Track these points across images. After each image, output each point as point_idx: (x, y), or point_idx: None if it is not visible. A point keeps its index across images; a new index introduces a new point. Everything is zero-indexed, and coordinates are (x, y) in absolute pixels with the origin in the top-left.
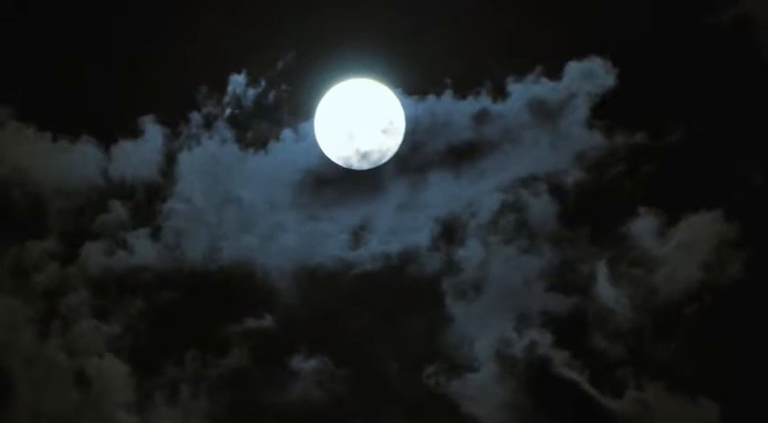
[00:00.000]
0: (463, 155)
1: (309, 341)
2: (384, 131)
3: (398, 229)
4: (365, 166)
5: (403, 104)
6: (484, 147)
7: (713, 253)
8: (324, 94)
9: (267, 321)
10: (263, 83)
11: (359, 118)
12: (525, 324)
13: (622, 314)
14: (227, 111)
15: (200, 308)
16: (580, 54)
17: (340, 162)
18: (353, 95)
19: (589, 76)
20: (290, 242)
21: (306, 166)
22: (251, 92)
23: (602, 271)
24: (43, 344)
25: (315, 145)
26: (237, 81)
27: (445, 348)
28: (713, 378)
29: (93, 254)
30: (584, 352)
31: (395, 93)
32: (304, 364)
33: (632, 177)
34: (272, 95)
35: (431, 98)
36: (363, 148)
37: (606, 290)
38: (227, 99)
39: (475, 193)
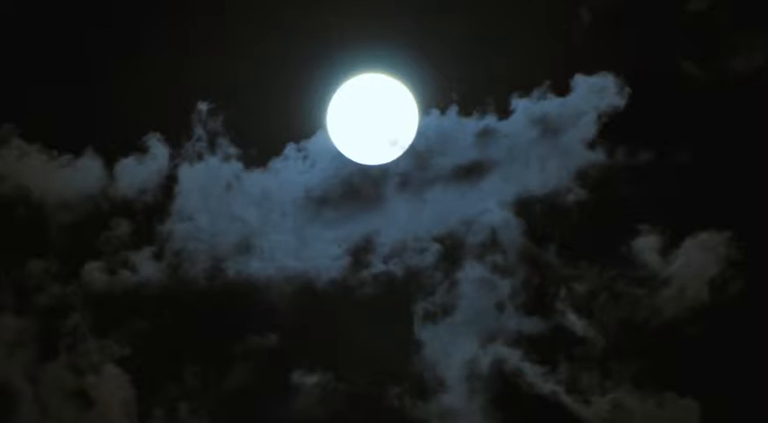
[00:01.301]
0: (465, 172)
1: (310, 357)
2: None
3: (400, 249)
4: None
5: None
6: (486, 164)
7: (717, 273)
8: (329, 100)
9: (268, 339)
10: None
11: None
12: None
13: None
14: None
15: (202, 326)
16: (591, 70)
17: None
18: (361, 101)
19: (599, 92)
20: (290, 261)
21: (307, 184)
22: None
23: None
24: (46, 363)
25: (319, 160)
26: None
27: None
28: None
29: (96, 272)
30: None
31: (407, 88)
32: (306, 378)
33: (635, 197)
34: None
35: (435, 113)
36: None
37: (573, 315)
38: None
39: (474, 211)
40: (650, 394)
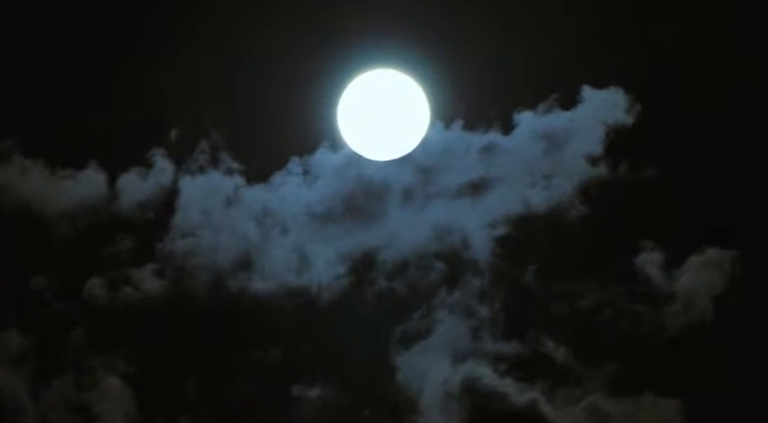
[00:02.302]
0: (468, 188)
1: (311, 372)
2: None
3: (401, 266)
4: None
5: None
6: (489, 179)
7: (720, 291)
8: (337, 100)
9: (269, 353)
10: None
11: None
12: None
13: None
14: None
15: (204, 341)
16: (600, 84)
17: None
18: (371, 98)
19: (607, 107)
20: (291, 277)
21: (311, 200)
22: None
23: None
24: (48, 378)
25: (322, 175)
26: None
27: None
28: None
29: (98, 288)
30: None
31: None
32: (306, 392)
33: (639, 213)
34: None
35: (439, 125)
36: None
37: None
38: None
39: (474, 227)
40: (627, 396)
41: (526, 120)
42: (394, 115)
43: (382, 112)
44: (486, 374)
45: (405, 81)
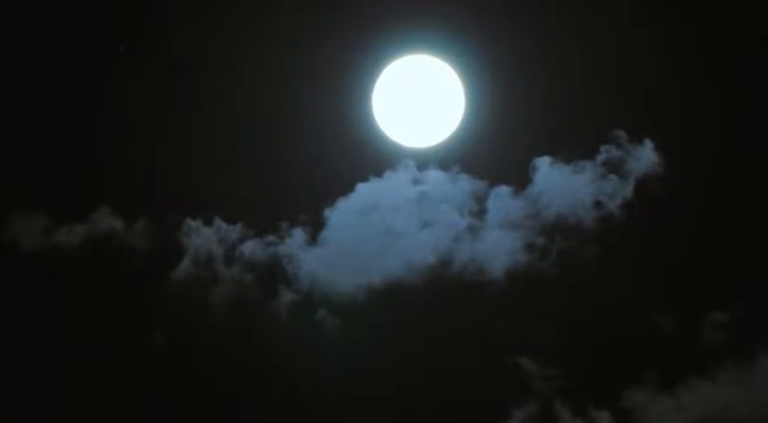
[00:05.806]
0: (479, 242)
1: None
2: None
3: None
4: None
5: None
6: (500, 232)
7: None
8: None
9: (269, 399)
10: None
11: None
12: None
13: None
14: None
15: (204, 395)
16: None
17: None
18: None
19: (630, 159)
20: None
21: (319, 252)
22: None
23: None
24: None
25: (333, 230)
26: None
27: None
28: None
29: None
30: None
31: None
32: None
33: (656, 274)
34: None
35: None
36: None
37: None
38: None
39: (484, 281)
40: None
41: (544, 166)
42: (429, 102)
43: (417, 98)
44: None
45: (440, 66)
